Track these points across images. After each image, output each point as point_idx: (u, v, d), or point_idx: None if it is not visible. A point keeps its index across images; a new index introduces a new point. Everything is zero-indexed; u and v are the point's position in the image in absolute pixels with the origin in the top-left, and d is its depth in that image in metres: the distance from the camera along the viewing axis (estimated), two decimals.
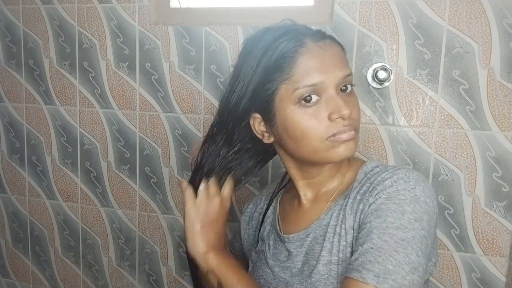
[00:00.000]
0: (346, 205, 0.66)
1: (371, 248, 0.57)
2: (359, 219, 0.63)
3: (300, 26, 0.66)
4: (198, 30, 1.23)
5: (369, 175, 0.68)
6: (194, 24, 1.23)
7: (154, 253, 1.38)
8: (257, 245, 0.84)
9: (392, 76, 1.10)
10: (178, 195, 1.32)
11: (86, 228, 1.43)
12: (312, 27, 0.67)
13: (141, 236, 1.38)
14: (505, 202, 1.07)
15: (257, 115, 0.69)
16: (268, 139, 0.71)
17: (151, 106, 1.30)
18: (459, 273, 1.12)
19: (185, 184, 0.75)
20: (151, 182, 1.34)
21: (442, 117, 1.09)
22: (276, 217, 0.80)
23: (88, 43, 1.33)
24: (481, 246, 1.09)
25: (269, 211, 0.83)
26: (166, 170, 1.32)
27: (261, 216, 0.86)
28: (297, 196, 0.76)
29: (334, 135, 0.63)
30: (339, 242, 0.65)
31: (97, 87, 1.34)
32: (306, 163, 0.70)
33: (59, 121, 1.40)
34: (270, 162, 1.22)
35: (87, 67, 1.34)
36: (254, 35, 0.68)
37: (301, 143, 0.65)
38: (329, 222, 0.68)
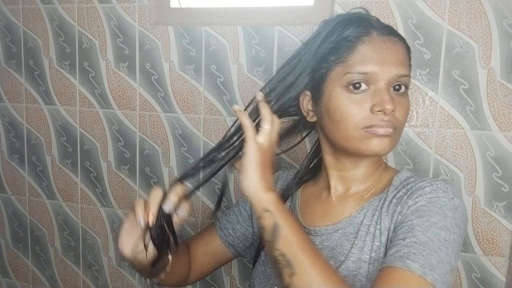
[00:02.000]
0: (382, 207, 0.67)
1: (415, 242, 0.56)
2: (396, 220, 0.63)
3: (372, 17, 0.68)
4: (198, 30, 1.23)
5: (404, 183, 0.69)
6: (194, 24, 1.24)
7: None
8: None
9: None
10: None
11: (86, 228, 1.43)
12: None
13: None
14: (505, 202, 1.07)
15: (308, 93, 0.70)
16: (311, 118, 0.72)
17: (151, 106, 1.30)
18: (459, 273, 1.12)
19: (247, 120, 0.65)
20: (151, 182, 1.34)
21: (442, 117, 1.09)
22: (296, 207, 0.80)
23: (88, 43, 1.33)
24: (481, 246, 1.09)
25: (286, 203, 0.82)
26: (166, 170, 1.32)
27: None
28: (326, 188, 0.77)
29: (370, 126, 0.63)
30: (372, 241, 0.65)
31: (97, 87, 1.34)
32: (342, 152, 0.71)
33: (59, 121, 1.40)
34: None
35: (87, 67, 1.34)
36: (328, 19, 0.70)
37: (338, 127, 0.66)
38: (362, 221, 0.68)
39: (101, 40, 1.31)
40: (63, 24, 1.34)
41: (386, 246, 0.64)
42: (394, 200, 0.66)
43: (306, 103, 0.72)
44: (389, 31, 0.66)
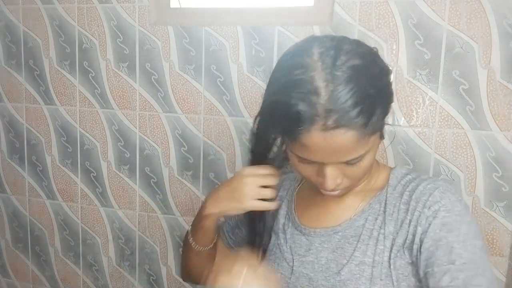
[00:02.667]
0: (385, 211, 0.67)
1: (464, 263, 0.58)
2: (413, 232, 0.64)
3: (319, 94, 0.55)
4: (198, 30, 1.23)
5: (402, 182, 0.69)
6: (194, 24, 1.23)
7: (154, 253, 1.38)
8: (268, 239, 0.82)
9: (392, 76, 1.10)
10: (178, 195, 1.32)
11: (86, 228, 1.43)
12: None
13: (141, 236, 1.38)
14: (505, 202, 1.07)
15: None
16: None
17: (151, 106, 1.30)
18: None
19: None
20: (151, 182, 1.34)
21: (442, 117, 1.09)
22: (293, 209, 0.80)
23: (88, 43, 1.33)
24: None
25: (283, 203, 0.83)
26: (166, 170, 1.32)
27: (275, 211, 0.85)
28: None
29: (320, 185, 0.65)
30: (375, 245, 0.66)
31: (97, 87, 1.34)
32: None
33: (59, 121, 1.40)
34: None
35: (87, 67, 1.34)
36: (289, 54, 0.63)
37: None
38: (364, 225, 0.68)
39: (101, 40, 1.31)
40: (63, 24, 1.34)
41: (391, 250, 0.64)
42: (402, 206, 0.66)
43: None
44: (335, 121, 0.55)
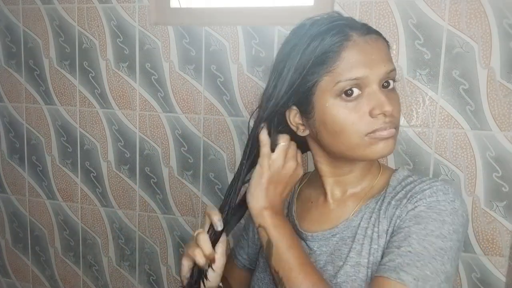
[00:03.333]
0: (380, 209, 0.66)
1: (409, 251, 0.56)
2: (394, 224, 0.62)
3: (347, 19, 0.65)
4: (198, 30, 1.23)
5: (403, 183, 0.67)
6: (194, 24, 1.23)
7: (154, 253, 1.38)
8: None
9: None
10: (178, 195, 1.32)
11: (86, 228, 1.43)
12: (358, 21, 0.66)
13: (141, 236, 1.38)
14: (505, 202, 1.07)
15: (294, 107, 0.67)
16: (303, 132, 0.69)
17: (151, 106, 1.30)
18: (459, 273, 1.12)
19: (265, 136, 0.68)
20: (151, 182, 1.34)
21: (442, 117, 1.09)
22: (293, 214, 0.78)
23: (88, 43, 1.33)
24: (481, 246, 1.09)
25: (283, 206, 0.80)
26: (166, 170, 1.32)
27: None
28: (322, 193, 0.74)
29: (374, 131, 0.61)
30: (370, 244, 0.64)
31: (97, 87, 1.34)
32: (340, 160, 0.69)
33: (59, 121, 1.40)
34: None
35: (87, 67, 1.34)
36: (300, 27, 0.67)
37: (339, 138, 0.63)
38: (359, 224, 0.67)
39: (101, 40, 1.31)
40: (63, 24, 1.34)
41: (384, 249, 0.63)
42: (393, 202, 0.65)
43: (293, 117, 0.68)
44: (367, 30, 0.63)
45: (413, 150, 1.11)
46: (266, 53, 1.18)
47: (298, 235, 0.73)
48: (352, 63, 0.60)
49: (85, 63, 1.34)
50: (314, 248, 0.71)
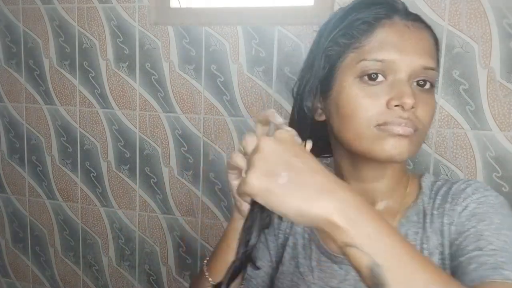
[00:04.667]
0: (424, 222, 0.58)
1: (495, 249, 0.49)
2: (449, 233, 0.55)
3: (396, 0, 0.58)
4: (198, 30, 1.23)
5: (434, 189, 0.61)
6: (194, 24, 1.23)
7: (154, 253, 1.38)
8: (277, 266, 0.69)
9: None
10: (178, 195, 1.32)
11: (86, 228, 1.43)
12: None
13: (141, 236, 1.38)
14: None
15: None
16: (319, 116, 0.62)
17: (151, 106, 1.30)
18: None
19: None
20: (151, 182, 1.34)
21: (442, 117, 1.09)
22: (314, 230, 0.65)
23: (88, 43, 1.33)
24: None
25: None
26: (166, 170, 1.32)
27: (287, 228, 0.70)
28: None
29: (385, 123, 0.53)
30: None
31: (97, 87, 1.34)
32: (359, 158, 0.59)
33: (59, 121, 1.40)
34: None
35: (87, 67, 1.34)
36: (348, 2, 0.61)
37: (347, 123, 0.55)
38: None
39: (101, 40, 1.31)
40: (63, 24, 1.34)
41: (443, 266, 0.55)
42: (435, 212, 0.58)
43: (313, 98, 0.61)
44: (415, 17, 0.57)
45: None
46: (266, 53, 1.18)
47: (328, 257, 0.62)
48: (384, 43, 0.54)
49: (85, 63, 1.34)
50: (353, 273, 0.59)
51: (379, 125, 0.53)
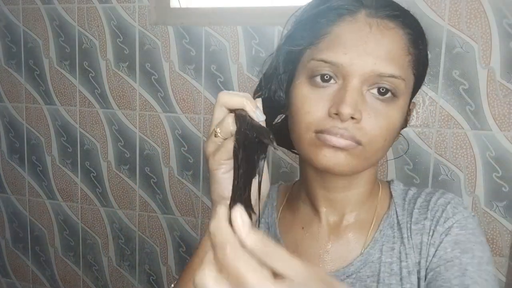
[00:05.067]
0: (401, 237, 0.55)
1: None
2: (427, 253, 0.53)
3: None
4: (198, 30, 1.23)
5: (406, 199, 0.58)
6: (194, 24, 1.23)
7: (154, 253, 1.38)
8: None
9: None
10: (178, 195, 1.32)
11: (86, 228, 1.43)
12: None
13: (141, 236, 1.38)
14: (505, 202, 1.07)
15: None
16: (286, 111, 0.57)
17: (151, 106, 1.30)
18: None
19: None
20: (151, 182, 1.34)
21: (442, 117, 1.09)
22: (281, 242, 0.60)
23: (88, 43, 1.33)
24: None
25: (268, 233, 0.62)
26: (166, 170, 1.32)
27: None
28: (314, 216, 0.58)
29: (322, 131, 0.48)
30: (400, 284, 0.52)
31: (97, 87, 1.34)
32: None
33: (59, 121, 1.40)
34: (270, 160, 1.22)
35: (87, 67, 1.34)
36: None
37: (293, 124, 0.52)
38: (380, 258, 0.54)
39: (101, 40, 1.31)
40: (63, 24, 1.34)
41: (419, 285, 0.52)
42: (413, 227, 0.55)
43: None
44: (387, 14, 0.49)
45: (413, 150, 1.11)
46: (266, 53, 1.18)
47: None
48: (334, 43, 0.48)
49: (85, 63, 1.34)
50: None
51: (317, 132, 0.49)
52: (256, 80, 1.20)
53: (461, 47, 1.05)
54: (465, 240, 0.52)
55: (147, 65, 1.28)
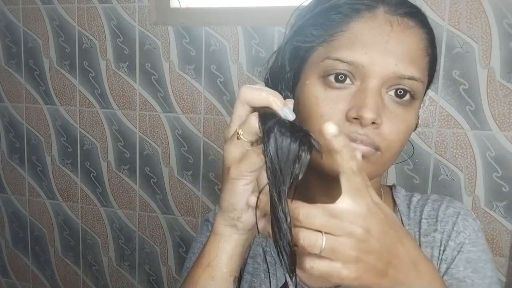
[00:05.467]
0: None
1: None
2: (438, 268, 0.52)
3: None
4: (198, 30, 1.23)
5: (411, 206, 0.56)
6: (194, 24, 1.23)
7: (154, 253, 1.38)
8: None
9: None
10: (178, 195, 1.32)
11: (86, 228, 1.43)
12: None
13: (141, 236, 1.38)
14: (505, 202, 1.07)
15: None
16: None
17: (151, 106, 1.30)
18: None
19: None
20: (151, 182, 1.34)
21: (442, 117, 1.09)
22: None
23: (88, 43, 1.33)
24: None
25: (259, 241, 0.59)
26: (166, 170, 1.32)
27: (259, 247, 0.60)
28: None
29: (353, 122, 0.45)
30: None
31: (97, 87, 1.34)
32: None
33: (59, 121, 1.40)
34: None
35: (87, 67, 1.34)
36: None
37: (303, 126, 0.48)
38: None
39: (101, 40, 1.31)
40: (63, 24, 1.34)
41: None
42: (423, 239, 0.53)
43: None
44: (408, 12, 0.47)
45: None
46: (266, 53, 1.18)
47: None
48: (354, 41, 0.45)
49: (85, 63, 1.34)
50: None
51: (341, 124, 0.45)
52: (256, 80, 1.20)
53: (461, 47, 1.05)
54: (477, 258, 0.51)
55: (147, 65, 1.28)
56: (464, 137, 1.08)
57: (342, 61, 0.44)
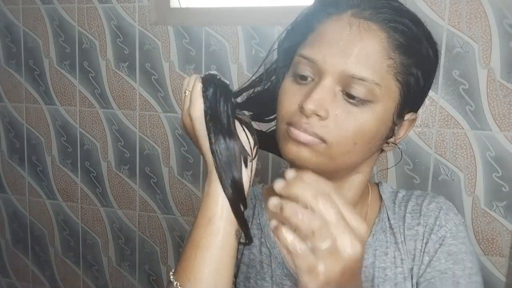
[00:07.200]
0: (396, 242, 0.56)
1: None
2: (421, 260, 0.55)
3: None
4: (198, 30, 1.23)
5: (396, 202, 0.59)
6: (194, 24, 1.23)
7: (154, 253, 1.38)
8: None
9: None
10: (178, 195, 1.32)
11: (86, 228, 1.43)
12: None
13: (141, 236, 1.38)
14: (505, 202, 1.07)
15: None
16: None
17: (151, 106, 1.30)
18: None
19: None
20: (151, 182, 1.34)
21: (442, 117, 1.09)
22: (272, 242, 0.59)
23: (88, 43, 1.33)
24: (481, 246, 1.09)
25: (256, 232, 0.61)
26: (166, 170, 1.32)
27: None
28: None
29: (290, 123, 0.49)
30: None
31: (97, 87, 1.34)
32: None
33: (59, 121, 1.40)
34: (270, 160, 1.22)
35: (87, 67, 1.34)
36: None
37: (277, 117, 0.53)
38: (374, 263, 0.55)
39: (101, 40, 1.31)
40: (63, 24, 1.34)
41: None
42: (406, 232, 0.56)
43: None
44: (372, 14, 0.48)
45: (413, 150, 1.11)
46: (266, 53, 1.18)
47: (290, 280, 0.57)
48: (314, 40, 0.49)
49: (85, 63, 1.34)
50: None
51: (287, 124, 0.50)
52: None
53: (461, 47, 1.05)
54: (457, 251, 0.54)
55: (147, 65, 1.28)
56: (464, 137, 1.08)
57: (304, 58, 0.49)
